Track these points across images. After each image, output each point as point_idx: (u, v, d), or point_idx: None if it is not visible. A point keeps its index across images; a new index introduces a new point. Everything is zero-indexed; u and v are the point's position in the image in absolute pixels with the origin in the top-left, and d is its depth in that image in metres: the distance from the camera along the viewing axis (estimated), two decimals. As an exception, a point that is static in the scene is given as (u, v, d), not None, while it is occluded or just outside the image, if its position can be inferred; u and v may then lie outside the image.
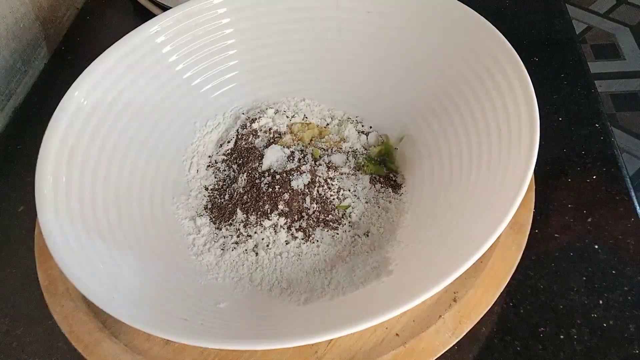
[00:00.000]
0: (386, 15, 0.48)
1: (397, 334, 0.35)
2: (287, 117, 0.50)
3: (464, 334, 0.35)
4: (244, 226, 0.43)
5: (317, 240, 0.42)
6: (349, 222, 0.43)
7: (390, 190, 0.45)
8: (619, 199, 0.45)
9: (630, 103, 1.36)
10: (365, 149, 0.48)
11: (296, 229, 0.42)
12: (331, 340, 0.36)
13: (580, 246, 0.42)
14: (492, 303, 0.36)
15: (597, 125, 0.49)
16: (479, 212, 0.35)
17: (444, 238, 0.37)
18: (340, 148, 0.47)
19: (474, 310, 0.36)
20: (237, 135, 0.49)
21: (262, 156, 0.46)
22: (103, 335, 0.37)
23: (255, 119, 0.50)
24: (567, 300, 0.40)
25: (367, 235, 0.42)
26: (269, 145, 0.47)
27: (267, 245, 0.42)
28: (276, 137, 0.49)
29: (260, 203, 0.43)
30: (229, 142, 0.49)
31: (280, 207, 0.42)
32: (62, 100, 0.42)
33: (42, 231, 0.35)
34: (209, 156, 0.49)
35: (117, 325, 0.38)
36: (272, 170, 0.45)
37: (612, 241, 0.42)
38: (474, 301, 0.36)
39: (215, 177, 0.48)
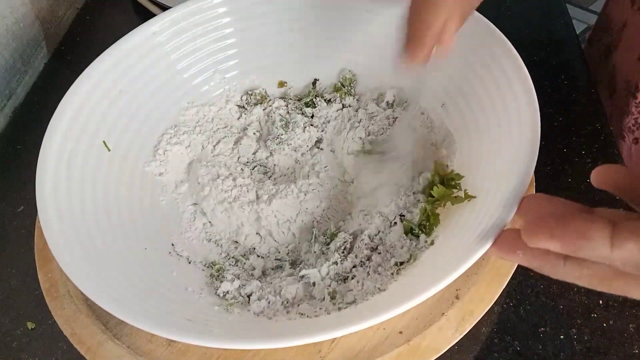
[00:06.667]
0: (385, 15, 0.47)
1: (400, 332, 0.35)
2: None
3: (467, 331, 0.35)
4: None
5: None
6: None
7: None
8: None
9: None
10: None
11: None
12: (334, 339, 0.36)
13: (580, 246, 0.42)
14: (495, 300, 0.36)
15: (597, 125, 0.49)
16: (480, 211, 0.35)
17: (445, 237, 0.37)
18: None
19: (476, 307, 0.36)
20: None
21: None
22: (105, 337, 0.37)
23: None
24: (567, 300, 0.40)
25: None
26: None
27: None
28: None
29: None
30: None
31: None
32: (62, 100, 0.41)
33: (43, 231, 0.35)
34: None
35: (119, 327, 0.37)
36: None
37: (612, 241, 0.42)
38: (476, 298, 0.36)
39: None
